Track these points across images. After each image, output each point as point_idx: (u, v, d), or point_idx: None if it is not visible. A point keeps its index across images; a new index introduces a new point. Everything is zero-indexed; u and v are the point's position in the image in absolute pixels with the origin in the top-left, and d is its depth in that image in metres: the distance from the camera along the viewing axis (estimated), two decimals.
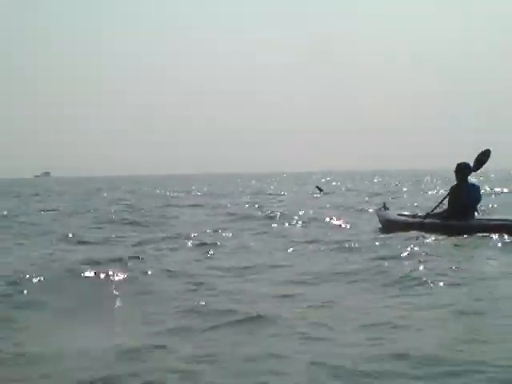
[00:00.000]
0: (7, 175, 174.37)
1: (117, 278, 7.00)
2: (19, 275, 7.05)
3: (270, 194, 32.54)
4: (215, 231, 12.65)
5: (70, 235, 12.24)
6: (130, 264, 8.07)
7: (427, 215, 11.40)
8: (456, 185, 11.21)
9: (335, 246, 9.86)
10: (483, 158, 11.20)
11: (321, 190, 32.88)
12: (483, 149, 11.24)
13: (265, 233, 12.67)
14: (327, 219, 14.91)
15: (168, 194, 36.93)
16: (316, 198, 28.30)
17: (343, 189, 38.27)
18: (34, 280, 6.87)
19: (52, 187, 59.31)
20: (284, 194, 32.06)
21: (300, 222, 14.73)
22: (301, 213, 16.93)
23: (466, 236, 10.07)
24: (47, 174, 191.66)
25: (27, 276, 6.96)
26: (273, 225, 14.36)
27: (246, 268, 7.94)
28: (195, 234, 11.91)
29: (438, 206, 11.55)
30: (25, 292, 6.42)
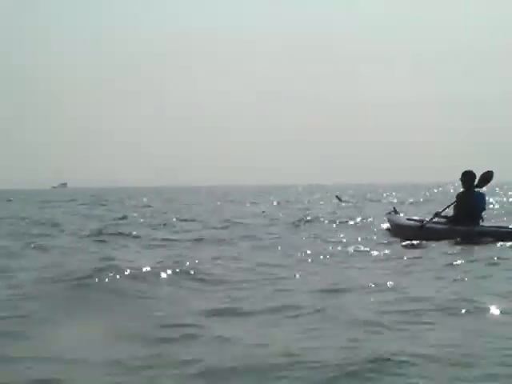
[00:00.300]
0: (24, 186, 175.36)
1: None
2: None
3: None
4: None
5: None
6: None
7: (436, 214, 11.74)
8: (462, 192, 11.60)
9: None
10: (487, 176, 11.54)
11: (340, 199, 33.25)
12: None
13: None
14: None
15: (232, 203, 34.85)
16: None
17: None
18: None
19: (103, 196, 56.95)
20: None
21: None
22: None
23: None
24: (64, 185, 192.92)
25: None
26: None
27: None
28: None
29: (446, 208, 11.87)
30: None
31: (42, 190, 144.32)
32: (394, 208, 14.10)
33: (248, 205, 32.45)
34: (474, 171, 11.66)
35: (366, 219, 17.59)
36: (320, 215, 19.84)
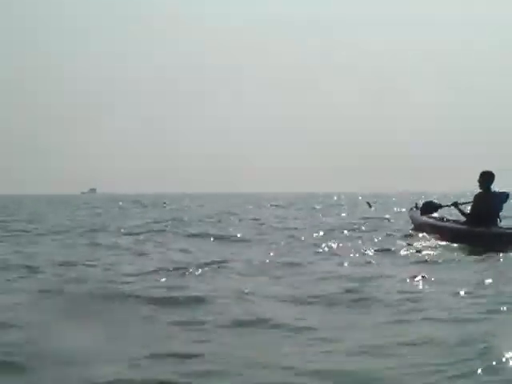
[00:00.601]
0: (52, 191, 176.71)
1: None
2: None
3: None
4: None
5: None
6: None
7: (455, 204, 12.16)
8: (480, 192, 11.71)
9: None
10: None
11: (370, 205, 34.63)
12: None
13: None
14: None
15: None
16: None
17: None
18: None
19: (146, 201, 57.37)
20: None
21: None
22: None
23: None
24: (93, 190, 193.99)
25: None
26: None
27: None
28: None
29: (466, 203, 12.18)
30: None
31: (72, 195, 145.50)
32: (416, 204, 14.43)
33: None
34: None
35: None
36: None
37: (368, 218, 21.47)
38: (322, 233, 14.76)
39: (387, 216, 22.26)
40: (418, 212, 13.72)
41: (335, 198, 71.45)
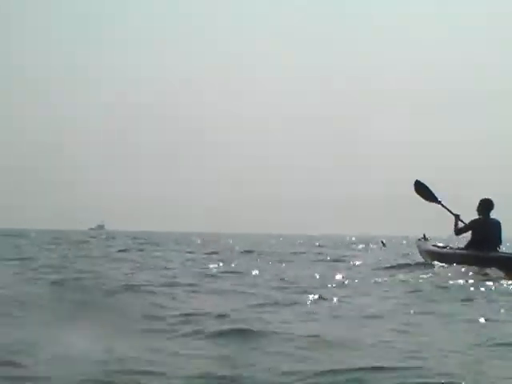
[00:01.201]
0: (61, 227, 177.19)
1: None
2: None
3: None
4: None
5: None
6: None
7: (457, 216, 12.50)
8: (479, 218, 11.95)
9: None
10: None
11: (384, 244, 35.45)
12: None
13: None
14: None
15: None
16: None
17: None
18: None
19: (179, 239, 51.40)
20: None
21: None
22: None
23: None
24: (101, 226, 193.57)
25: None
26: None
27: None
28: None
29: (463, 222, 12.43)
30: None
31: (79, 230, 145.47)
32: (424, 235, 14.84)
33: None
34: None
35: None
36: None
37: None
38: None
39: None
40: (425, 242, 14.15)
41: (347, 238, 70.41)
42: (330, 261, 18.25)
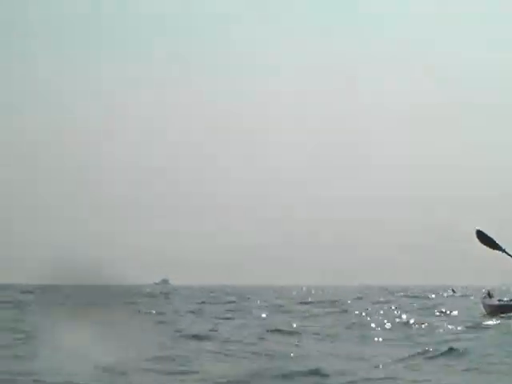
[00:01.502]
0: (126, 281, 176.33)
1: None
2: None
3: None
4: None
5: None
6: None
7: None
8: None
9: None
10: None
11: (454, 291, 39.96)
12: None
13: None
14: None
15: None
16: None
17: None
18: None
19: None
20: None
21: None
22: None
23: None
24: (166, 281, 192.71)
25: None
26: None
27: None
28: None
29: None
30: None
31: (145, 285, 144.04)
32: (489, 292, 16.16)
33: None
34: None
35: None
36: None
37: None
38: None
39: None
40: (491, 299, 15.61)
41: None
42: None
